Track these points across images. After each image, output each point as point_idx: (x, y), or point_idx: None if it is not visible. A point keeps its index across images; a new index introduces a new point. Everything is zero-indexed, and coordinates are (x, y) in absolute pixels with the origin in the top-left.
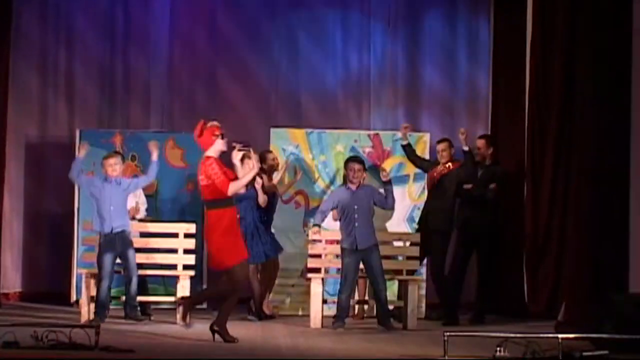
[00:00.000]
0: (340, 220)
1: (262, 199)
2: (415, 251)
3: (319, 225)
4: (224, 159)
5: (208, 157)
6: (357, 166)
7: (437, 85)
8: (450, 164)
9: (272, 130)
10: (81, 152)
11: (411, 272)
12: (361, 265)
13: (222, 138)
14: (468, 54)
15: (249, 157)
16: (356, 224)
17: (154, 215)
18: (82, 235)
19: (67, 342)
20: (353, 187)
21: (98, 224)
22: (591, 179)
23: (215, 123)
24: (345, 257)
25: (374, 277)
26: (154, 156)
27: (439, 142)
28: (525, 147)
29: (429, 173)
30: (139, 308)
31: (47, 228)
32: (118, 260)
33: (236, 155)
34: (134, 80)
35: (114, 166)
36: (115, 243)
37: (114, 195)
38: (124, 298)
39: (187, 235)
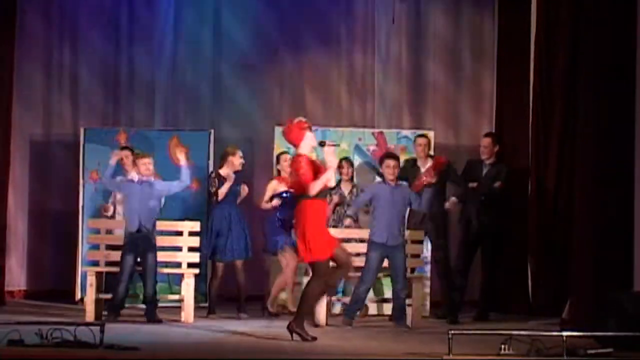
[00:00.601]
0: (373, 213)
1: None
2: (418, 249)
3: (352, 217)
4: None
5: (300, 155)
6: (392, 162)
7: (441, 83)
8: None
9: (277, 128)
10: (113, 160)
11: (412, 270)
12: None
13: (310, 131)
14: (472, 52)
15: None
16: (390, 220)
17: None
18: (87, 233)
19: (72, 340)
20: (391, 183)
21: (127, 222)
22: (595, 177)
23: (301, 118)
24: (372, 250)
25: (397, 275)
26: (183, 161)
27: (418, 136)
28: (529, 145)
29: (418, 178)
30: (157, 310)
31: (51, 226)
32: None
33: (328, 152)
34: (138, 78)
35: (148, 165)
36: (139, 244)
37: (144, 196)
38: (141, 297)
39: (191, 234)
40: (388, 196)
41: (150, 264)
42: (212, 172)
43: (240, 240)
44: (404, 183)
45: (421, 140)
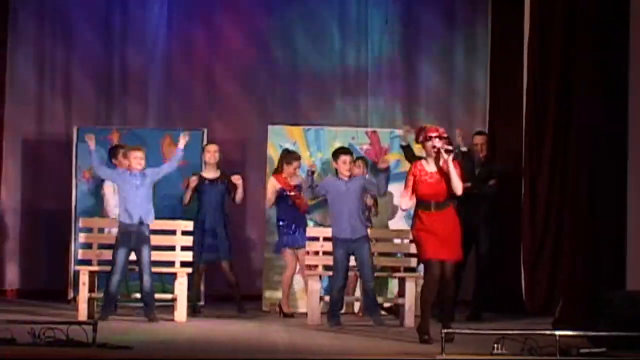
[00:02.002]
0: (330, 210)
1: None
2: (413, 248)
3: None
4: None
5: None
6: (348, 158)
7: (434, 82)
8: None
9: (270, 127)
10: (91, 144)
11: (410, 270)
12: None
13: (430, 140)
14: (465, 52)
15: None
16: (348, 215)
17: None
18: (80, 232)
19: (65, 339)
20: (345, 178)
21: (123, 214)
22: (588, 177)
23: (427, 125)
24: (337, 248)
25: (363, 269)
26: (181, 144)
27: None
28: (522, 145)
29: None
30: (154, 308)
31: (44, 225)
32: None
33: (443, 156)
34: (131, 77)
35: (139, 160)
36: (132, 238)
37: (141, 189)
38: (138, 295)
39: (184, 233)
40: (342, 191)
41: (146, 258)
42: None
43: (223, 240)
44: (360, 175)
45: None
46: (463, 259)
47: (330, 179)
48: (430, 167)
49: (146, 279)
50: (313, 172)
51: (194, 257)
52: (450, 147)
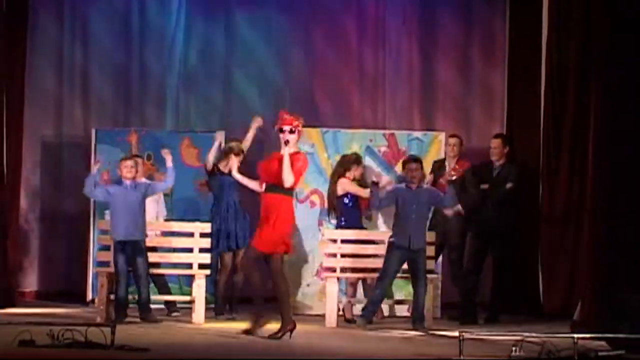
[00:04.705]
0: (395, 216)
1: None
2: (431, 251)
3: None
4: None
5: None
6: (413, 165)
7: (452, 84)
8: (453, 167)
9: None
10: (94, 169)
11: (428, 272)
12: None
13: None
14: (483, 53)
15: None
16: (412, 224)
17: (169, 214)
18: (98, 234)
19: (83, 340)
20: (413, 186)
21: (112, 228)
22: (607, 178)
23: (285, 116)
24: (393, 253)
25: (418, 279)
26: (168, 163)
27: (451, 136)
28: (540, 147)
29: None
30: (151, 311)
31: (63, 227)
32: None
33: (283, 148)
34: (149, 79)
35: (130, 168)
36: (126, 247)
37: (130, 200)
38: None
39: (202, 235)
40: (410, 199)
41: (141, 270)
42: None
43: (243, 229)
44: (427, 186)
45: (452, 140)
46: (481, 261)
47: (402, 187)
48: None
49: (142, 290)
50: (377, 183)
51: (212, 249)
52: (288, 138)
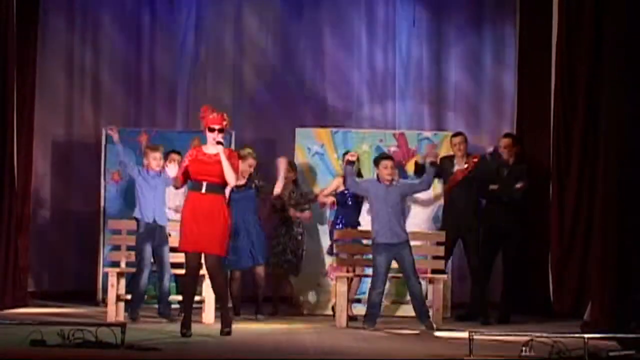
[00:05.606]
0: (372, 215)
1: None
2: (441, 251)
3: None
4: None
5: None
6: (389, 163)
7: (462, 84)
8: (467, 161)
9: (297, 130)
10: (115, 138)
11: (438, 272)
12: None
13: (212, 132)
14: (493, 54)
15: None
16: (389, 218)
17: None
18: (108, 234)
19: (94, 340)
20: (386, 182)
21: (139, 212)
22: (617, 178)
23: (209, 113)
24: (378, 252)
25: (408, 278)
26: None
27: (454, 135)
28: (550, 147)
29: (454, 174)
30: (171, 306)
31: (73, 227)
32: None
33: (216, 147)
34: (159, 79)
35: (159, 160)
36: (155, 234)
37: (159, 187)
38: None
39: None
40: (383, 195)
41: (166, 258)
42: None
43: (258, 245)
44: (402, 181)
45: (456, 139)
46: (491, 261)
47: (373, 181)
48: (210, 150)
49: (167, 277)
50: (353, 163)
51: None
52: (220, 140)
